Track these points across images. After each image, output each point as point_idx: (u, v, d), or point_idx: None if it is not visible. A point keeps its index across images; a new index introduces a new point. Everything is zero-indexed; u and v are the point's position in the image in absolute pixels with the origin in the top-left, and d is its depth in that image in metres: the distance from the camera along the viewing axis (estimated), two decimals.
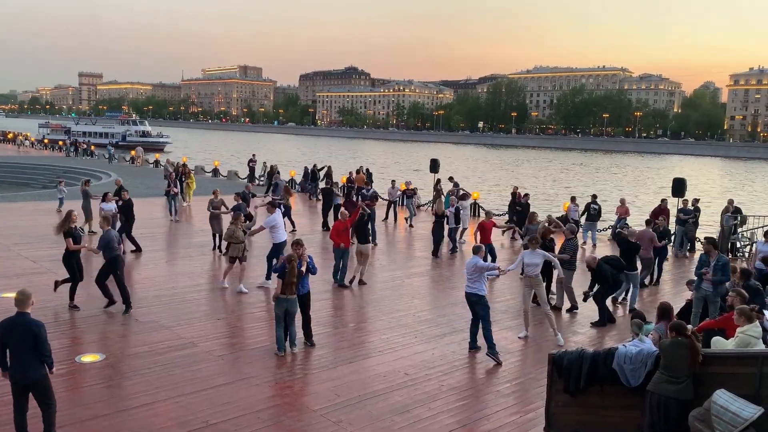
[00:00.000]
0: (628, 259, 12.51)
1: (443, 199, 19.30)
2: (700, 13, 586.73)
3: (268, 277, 13.10)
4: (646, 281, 14.35)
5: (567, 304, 12.26)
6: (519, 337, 10.46)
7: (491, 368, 9.20)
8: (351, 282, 13.49)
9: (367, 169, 30.04)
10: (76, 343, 9.36)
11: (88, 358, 8.76)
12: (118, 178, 20.98)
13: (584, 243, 19.23)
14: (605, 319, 11.50)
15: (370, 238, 14.19)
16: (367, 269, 13.82)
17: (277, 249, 12.99)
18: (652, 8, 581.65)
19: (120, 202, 16.37)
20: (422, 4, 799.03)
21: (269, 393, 7.94)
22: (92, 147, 55.42)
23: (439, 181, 24.15)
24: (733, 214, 19.23)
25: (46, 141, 69.69)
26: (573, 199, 20.29)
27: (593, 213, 19.44)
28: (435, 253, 17.03)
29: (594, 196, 20.21)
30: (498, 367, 9.20)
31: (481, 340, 9.58)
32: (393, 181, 25.79)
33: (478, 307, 9.51)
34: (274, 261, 12.41)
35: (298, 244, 9.45)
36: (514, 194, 21.76)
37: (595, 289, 11.75)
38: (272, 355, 9.23)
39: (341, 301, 12.32)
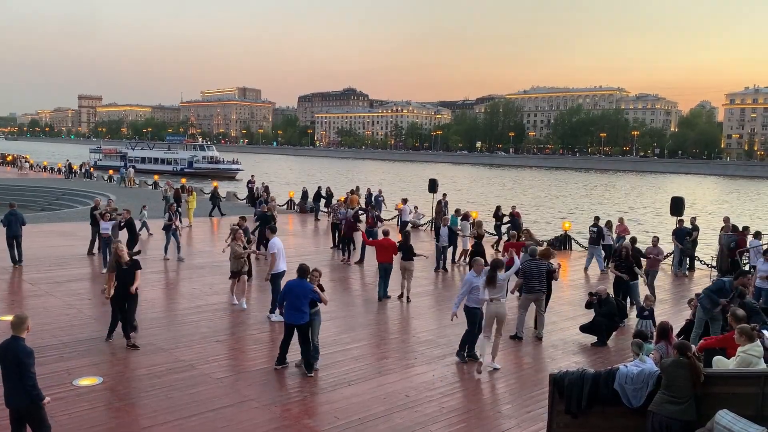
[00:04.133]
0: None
1: (449, 218, 19.56)
2: (695, 33, 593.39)
3: (272, 311, 12.23)
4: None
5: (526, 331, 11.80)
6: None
7: (492, 389, 9.15)
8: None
9: (368, 189, 30.16)
10: (74, 367, 9.27)
11: (86, 382, 8.68)
12: (111, 199, 20.81)
13: (586, 268, 19.00)
14: (605, 340, 11.51)
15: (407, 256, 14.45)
16: (366, 289, 13.84)
17: (275, 279, 12.01)
18: (647, 29, 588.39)
19: (122, 222, 16.54)
20: (420, 26, 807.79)
21: (269, 416, 7.88)
22: (92, 169, 55.37)
23: (439, 202, 24.32)
24: (731, 232, 19.20)
25: (91, 169, 58.16)
26: (597, 219, 19.66)
27: (593, 236, 18.78)
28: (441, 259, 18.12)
29: (596, 218, 19.70)
30: (499, 387, 9.17)
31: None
32: (416, 206, 26.97)
33: (468, 317, 9.98)
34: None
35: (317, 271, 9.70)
36: (512, 215, 21.81)
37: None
38: (272, 378, 9.17)
39: (341, 322, 12.26)
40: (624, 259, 13.67)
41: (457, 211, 21.13)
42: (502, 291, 9.88)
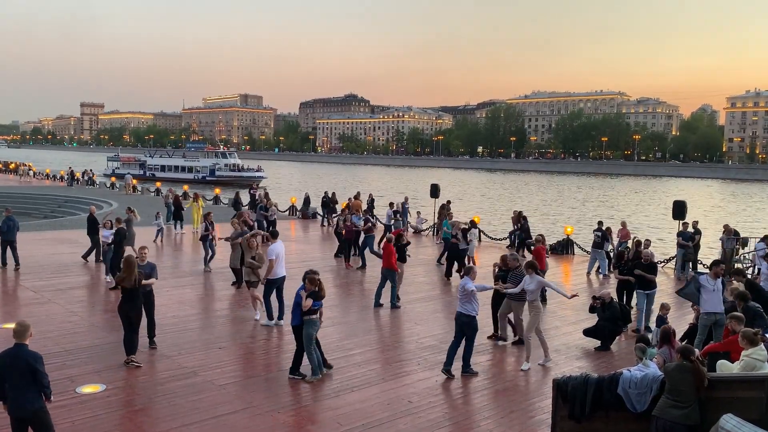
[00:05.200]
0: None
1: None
2: (696, 37, 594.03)
3: (270, 317, 12.19)
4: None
5: (511, 337, 11.74)
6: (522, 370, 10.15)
7: (495, 395, 9.12)
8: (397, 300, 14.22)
9: (370, 195, 30.20)
10: (77, 374, 9.27)
11: (88, 389, 8.68)
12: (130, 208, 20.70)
13: (588, 273, 18.98)
14: (609, 344, 11.48)
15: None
16: (368, 295, 13.88)
17: (270, 285, 12.02)
18: (648, 33, 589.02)
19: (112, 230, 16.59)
20: (421, 32, 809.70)
21: (271, 422, 7.86)
22: (94, 176, 55.40)
23: (443, 206, 24.37)
24: (734, 236, 19.24)
25: (113, 179, 56.53)
26: (600, 223, 19.70)
27: (597, 240, 18.81)
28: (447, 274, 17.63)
29: (599, 223, 19.78)
30: (502, 393, 9.15)
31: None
32: (418, 212, 26.93)
33: (467, 328, 9.69)
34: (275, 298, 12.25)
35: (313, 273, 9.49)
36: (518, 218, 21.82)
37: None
38: (274, 384, 9.16)
39: (343, 328, 12.25)
40: (626, 263, 13.64)
41: (449, 216, 21.44)
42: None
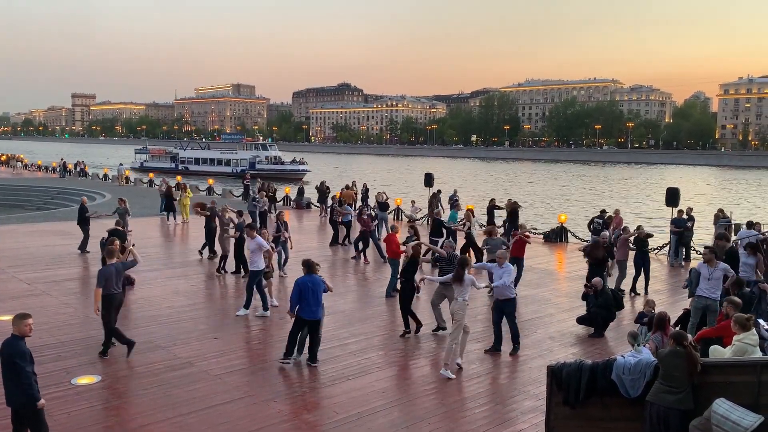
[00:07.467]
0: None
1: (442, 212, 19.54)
2: (689, 25, 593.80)
3: (266, 308, 12.25)
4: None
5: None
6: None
7: (490, 382, 9.17)
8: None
9: (365, 184, 30.18)
10: (72, 366, 9.26)
11: (84, 380, 8.68)
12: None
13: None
14: (602, 331, 11.54)
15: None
16: (363, 285, 13.86)
17: (255, 276, 12.11)
18: (641, 20, 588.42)
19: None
20: (414, 20, 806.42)
21: (267, 412, 7.88)
22: (86, 168, 55.03)
23: (434, 195, 24.36)
24: (724, 221, 19.31)
25: (86, 168, 51.27)
26: (603, 212, 19.92)
27: (597, 228, 18.83)
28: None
29: (603, 212, 20.00)
30: (497, 380, 9.20)
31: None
32: (413, 201, 26.96)
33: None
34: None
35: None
36: (513, 210, 21.79)
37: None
38: (270, 373, 9.18)
39: (339, 318, 12.26)
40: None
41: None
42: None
